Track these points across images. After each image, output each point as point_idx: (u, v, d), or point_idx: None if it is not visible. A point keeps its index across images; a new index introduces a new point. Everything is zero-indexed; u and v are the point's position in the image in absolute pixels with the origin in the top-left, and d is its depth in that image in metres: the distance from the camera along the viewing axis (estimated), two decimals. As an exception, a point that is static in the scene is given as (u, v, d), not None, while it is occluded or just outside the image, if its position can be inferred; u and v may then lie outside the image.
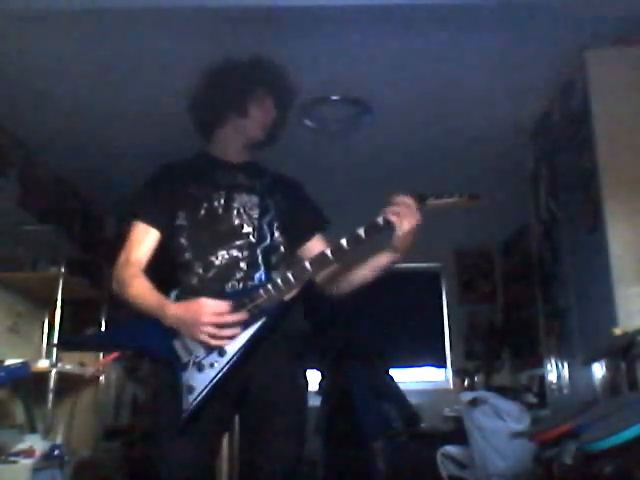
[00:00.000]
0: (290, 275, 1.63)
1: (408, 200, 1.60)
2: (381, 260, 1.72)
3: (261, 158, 1.97)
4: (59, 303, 3.51)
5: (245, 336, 1.61)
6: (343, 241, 1.61)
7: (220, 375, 1.59)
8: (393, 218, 1.60)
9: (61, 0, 2.49)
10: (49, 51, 2.81)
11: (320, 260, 1.64)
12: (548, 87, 3.14)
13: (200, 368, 1.60)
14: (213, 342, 1.58)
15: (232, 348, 1.60)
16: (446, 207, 1.62)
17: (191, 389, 1.59)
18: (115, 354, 1.74)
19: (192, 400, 1.58)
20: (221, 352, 1.60)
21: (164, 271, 1.77)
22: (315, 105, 3.36)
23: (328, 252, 1.63)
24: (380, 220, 1.61)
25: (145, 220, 1.78)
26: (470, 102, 3.34)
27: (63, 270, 3.55)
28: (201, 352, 1.61)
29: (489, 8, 2.56)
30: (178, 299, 1.70)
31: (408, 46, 2.82)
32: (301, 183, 1.99)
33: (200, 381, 1.59)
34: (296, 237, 1.88)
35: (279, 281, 1.63)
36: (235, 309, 1.60)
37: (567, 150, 3.06)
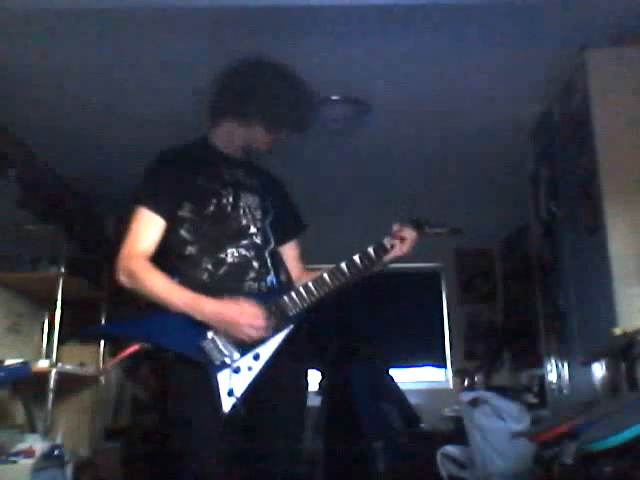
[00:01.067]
0: (312, 285, 1.72)
1: (412, 232, 1.84)
2: None
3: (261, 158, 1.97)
4: (59, 303, 3.51)
5: (276, 341, 1.66)
6: (356, 258, 1.78)
7: (256, 378, 1.63)
8: (397, 243, 1.82)
9: (61, 0, 2.49)
10: (49, 51, 2.81)
11: (336, 273, 1.75)
12: (548, 87, 3.14)
13: (237, 371, 1.62)
14: (248, 340, 1.62)
15: (266, 352, 1.65)
16: (435, 235, 1.95)
17: (231, 391, 1.59)
18: (135, 347, 1.69)
19: (234, 402, 1.59)
20: (256, 356, 1.64)
21: (156, 258, 1.73)
22: (315, 105, 3.35)
23: (344, 266, 1.75)
24: (387, 244, 1.82)
25: (151, 208, 1.73)
26: (470, 102, 3.34)
27: (63, 270, 3.54)
28: (236, 355, 1.63)
29: (489, 8, 2.56)
30: None
31: (408, 46, 2.82)
32: (285, 184, 2.03)
33: (239, 383, 1.61)
34: (279, 238, 1.90)
35: (302, 290, 1.71)
36: (268, 314, 1.65)
37: (567, 150, 3.06)
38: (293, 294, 1.70)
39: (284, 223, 1.91)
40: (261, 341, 1.63)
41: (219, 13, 2.54)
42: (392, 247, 1.82)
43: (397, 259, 1.84)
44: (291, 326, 1.68)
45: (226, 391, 1.59)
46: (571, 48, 2.79)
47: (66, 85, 3.11)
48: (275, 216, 1.87)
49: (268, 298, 1.68)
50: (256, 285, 1.73)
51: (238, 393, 1.59)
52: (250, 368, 1.62)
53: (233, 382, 1.60)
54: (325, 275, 1.73)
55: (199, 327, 1.62)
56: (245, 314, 1.61)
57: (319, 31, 2.69)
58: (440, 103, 3.36)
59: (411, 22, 2.65)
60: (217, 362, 1.61)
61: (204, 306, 1.62)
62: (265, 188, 1.88)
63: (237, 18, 2.57)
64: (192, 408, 1.66)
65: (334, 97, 3.31)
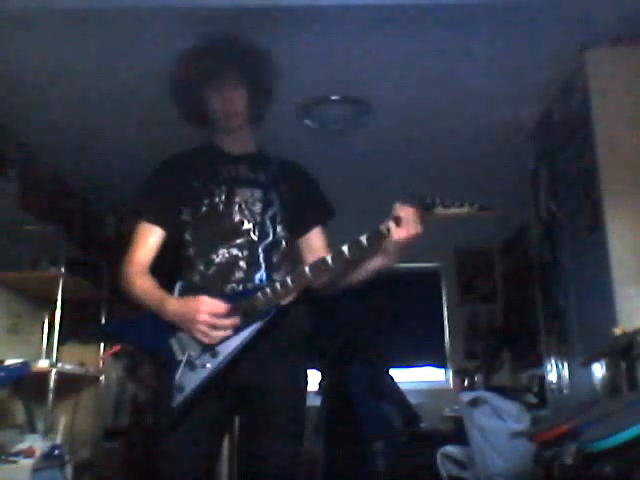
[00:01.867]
0: (289, 280, 1.63)
1: (410, 211, 1.55)
2: (373, 264, 1.71)
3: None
4: (59, 303, 3.51)
5: (239, 338, 1.62)
6: (345, 248, 1.59)
7: (211, 376, 1.60)
8: (393, 227, 1.56)
9: (61, 0, 2.49)
10: (49, 51, 2.81)
11: (320, 266, 1.63)
12: (548, 87, 3.14)
13: (192, 367, 1.62)
14: (206, 340, 1.60)
15: (225, 350, 1.61)
16: (454, 217, 1.55)
17: (181, 388, 1.60)
18: (116, 348, 1.80)
19: (180, 399, 1.59)
20: (214, 353, 1.61)
21: (170, 263, 1.79)
22: (315, 105, 3.35)
23: (329, 259, 1.61)
24: (383, 228, 1.57)
25: (149, 219, 1.78)
26: (470, 102, 3.34)
27: (63, 270, 3.54)
28: (195, 351, 1.62)
29: (489, 8, 2.56)
30: (181, 293, 1.71)
31: (408, 46, 2.82)
32: (309, 171, 1.96)
33: (191, 380, 1.61)
34: (297, 227, 1.87)
35: (277, 285, 1.63)
36: (232, 311, 1.61)
37: (567, 150, 3.06)
38: (267, 289, 1.62)
39: (301, 212, 1.85)
40: (222, 338, 1.61)
41: (219, 13, 2.54)
42: (389, 231, 1.56)
43: (400, 245, 1.57)
44: (259, 322, 1.61)
45: (176, 387, 1.60)
46: (571, 48, 2.79)
47: (66, 85, 3.11)
48: (283, 208, 1.83)
49: (244, 295, 1.65)
50: (241, 286, 1.71)
51: (187, 389, 1.59)
52: (205, 365, 1.61)
53: (186, 378, 1.61)
54: (306, 268, 1.63)
55: (173, 325, 1.65)
56: (201, 313, 1.59)
57: (319, 31, 2.69)
58: (440, 103, 3.36)
59: (411, 22, 2.65)
60: (178, 359, 1.63)
61: (167, 306, 1.65)
62: (273, 179, 1.84)
63: (237, 18, 2.56)
64: (157, 405, 1.71)
65: (334, 97, 3.31)
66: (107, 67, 2.95)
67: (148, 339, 1.72)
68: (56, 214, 4.06)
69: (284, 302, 1.66)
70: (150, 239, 1.78)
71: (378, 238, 1.58)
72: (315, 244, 1.86)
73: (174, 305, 1.65)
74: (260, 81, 1.90)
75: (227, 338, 1.61)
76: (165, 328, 1.65)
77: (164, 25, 2.64)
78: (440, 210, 1.54)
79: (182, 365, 1.62)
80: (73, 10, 2.50)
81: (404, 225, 1.54)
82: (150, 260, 1.77)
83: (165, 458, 1.66)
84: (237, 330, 1.62)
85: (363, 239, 1.58)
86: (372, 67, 3.00)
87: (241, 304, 1.62)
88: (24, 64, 2.91)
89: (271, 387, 1.70)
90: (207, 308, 1.59)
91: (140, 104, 3.28)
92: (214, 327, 1.59)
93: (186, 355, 1.63)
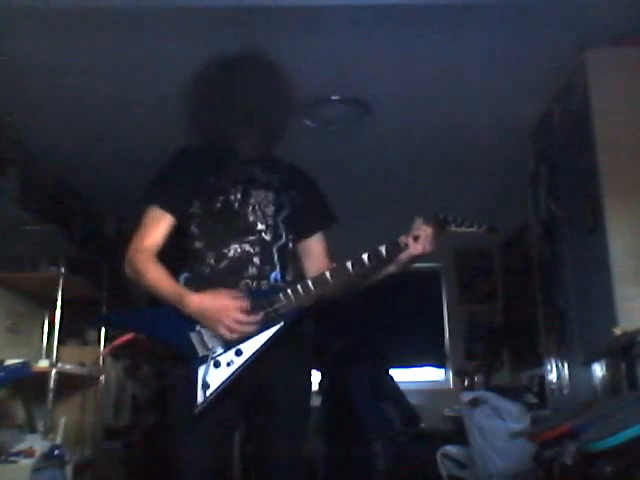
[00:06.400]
0: (310, 284, 1.66)
1: (428, 230, 1.68)
2: (382, 271, 1.77)
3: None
4: (59, 303, 3.51)
5: (262, 338, 1.63)
6: (364, 256, 1.66)
7: (236, 374, 1.61)
8: (411, 242, 1.67)
9: (62, 0, 2.49)
10: (50, 51, 2.81)
11: (340, 272, 1.67)
12: (548, 87, 3.14)
13: (217, 365, 1.61)
14: (233, 336, 1.60)
15: (249, 349, 1.62)
16: (464, 234, 1.72)
17: (206, 385, 1.59)
18: (129, 336, 1.75)
19: (207, 396, 1.58)
20: (238, 352, 1.62)
21: (171, 254, 1.77)
22: (315, 105, 3.36)
23: (349, 265, 1.66)
24: (401, 241, 1.68)
25: (161, 205, 1.77)
26: (470, 102, 3.34)
27: (63, 270, 3.54)
28: (218, 349, 1.62)
29: (489, 8, 2.56)
30: (187, 285, 1.70)
31: (408, 46, 2.82)
32: (314, 178, 1.99)
33: (216, 378, 1.60)
34: (300, 232, 1.88)
35: (299, 288, 1.65)
36: (253, 309, 1.62)
37: (567, 150, 3.06)
38: (289, 291, 1.65)
39: (306, 217, 1.88)
40: (246, 337, 1.61)
41: (219, 13, 2.55)
42: (406, 246, 1.68)
43: (413, 259, 1.70)
44: (281, 323, 1.64)
45: (201, 384, 1.59)
46: (571, 48, 2.79)
47: (66, 85, 3.11)
48: (293, 211, 1.84)
49: (264, 295, 1.66)
50: (255, 282, 1.72)
51: (212, 387, 1.59)
52: (230, 363, 1.60)
53: (210, 376, 1.60)
54: (327, 273, 1.67)
55: (191, 319, 1.63)
56: (227, 310, 1.59)
57: (319, 31, 2.69)
58: (440, 103, 3.36)
59: (411, 22, 2.65)
60: (200, 355, 1.62)
61: (188, 301, 1.63)
62: (283, 184, 1.86)
63: (237, 18, 2.57)
64: (174, 400, 1.69)
65: (334, 97, 3.32)
66: (107, 67, 2.95)
67: (163, 331, 1.68)
68: (56, 214, 4.06)
69: (304, 305, 1.67)
70: (160, 226, 1.75)
71: (396, 250, 1.68)
72: (315, 250, 1.89)
73: (196, 300, 1.62)
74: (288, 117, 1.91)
75: (249, 337, 1.61)
76: (181, 321, 1.63)
77: (165, 26, 2.65)
78: (452, 228, 1.70)
79: (206, 362, 1.61)
80: (74, 10, 2.51)
81: (420, 242, 1.68)
82: (159, 247, 1.74)
83: (182, 457, 1.64)
84: (260, 329, 1.62)
85: (382, 249, 1.67)
86: (372, 67, 3.00)
87: (262, 303, 1.63)
88: (24, 64, 2.91)
89: (279, 387, 1.70)
90: (234, 304, 1.60)
91: (140, 104, 3.28)
92: (239, 323, 1.59)
93: (210, 352, 1.61)
